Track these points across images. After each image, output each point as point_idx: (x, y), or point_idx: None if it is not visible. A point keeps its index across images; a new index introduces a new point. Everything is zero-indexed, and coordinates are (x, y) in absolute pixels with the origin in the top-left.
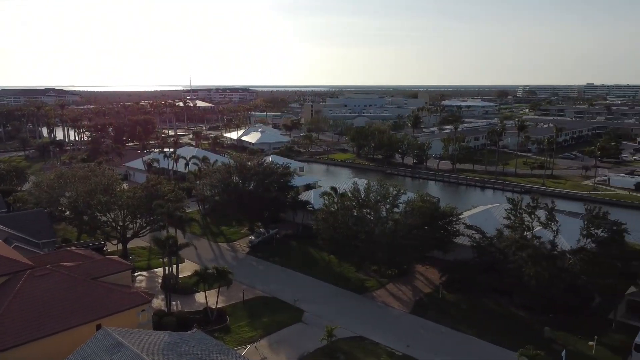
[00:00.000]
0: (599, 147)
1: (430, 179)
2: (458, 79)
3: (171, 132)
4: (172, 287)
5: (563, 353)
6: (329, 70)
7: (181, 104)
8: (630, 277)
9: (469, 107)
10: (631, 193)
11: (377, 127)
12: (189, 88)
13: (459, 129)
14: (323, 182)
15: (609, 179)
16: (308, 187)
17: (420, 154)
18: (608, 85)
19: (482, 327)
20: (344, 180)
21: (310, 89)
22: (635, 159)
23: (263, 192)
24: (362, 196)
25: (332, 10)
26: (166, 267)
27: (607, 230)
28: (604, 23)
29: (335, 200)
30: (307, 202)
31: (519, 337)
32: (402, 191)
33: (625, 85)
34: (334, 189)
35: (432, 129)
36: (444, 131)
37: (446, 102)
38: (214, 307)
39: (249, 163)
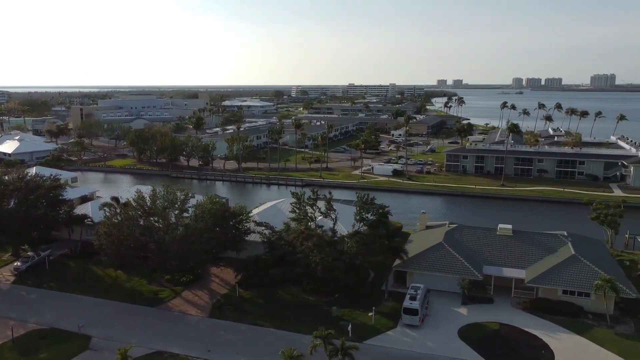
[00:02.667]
0: (362, 141)
1: (217, 179)
2: (240, 79)
3: None
4: None
5: (349, 327)
6: (99, 69)
7: None
8: (395, 251)
9: (249, 107)
10: (390, 179)
11: (158, 130)
12: None
13: (242, 129)
14: (102, 192)
15: (372, 168)
16: (84, 199)
17: (205, 155)
18: (365, 86)
19: (279, 318)
20: (126, 189)
21: (77, 90)
22: (391, 149)
23: (28, 210)
24: (148, 204)
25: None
26: None
27: (375, 213)
28: (349, 29)
29: (118, 211)
30: (85, 216)
31: (312, 320)
32: (190, 195)
33: (378, 86)
34: (115, 198)
35: (215, 129)
36: (228, 131)
37: (227, 103)
38: None
39: (7, 177)
